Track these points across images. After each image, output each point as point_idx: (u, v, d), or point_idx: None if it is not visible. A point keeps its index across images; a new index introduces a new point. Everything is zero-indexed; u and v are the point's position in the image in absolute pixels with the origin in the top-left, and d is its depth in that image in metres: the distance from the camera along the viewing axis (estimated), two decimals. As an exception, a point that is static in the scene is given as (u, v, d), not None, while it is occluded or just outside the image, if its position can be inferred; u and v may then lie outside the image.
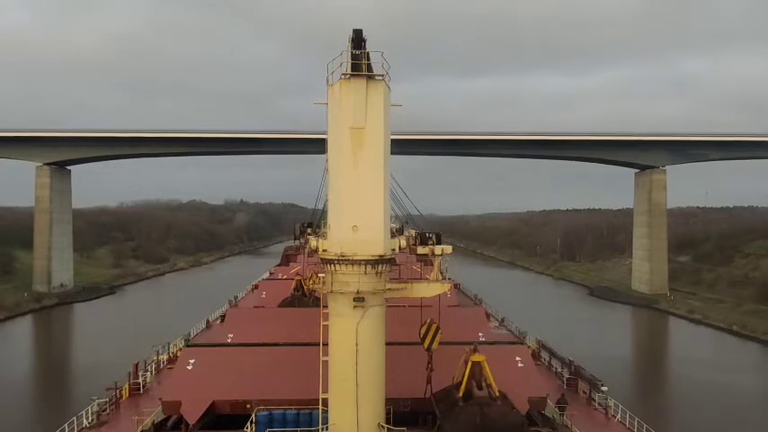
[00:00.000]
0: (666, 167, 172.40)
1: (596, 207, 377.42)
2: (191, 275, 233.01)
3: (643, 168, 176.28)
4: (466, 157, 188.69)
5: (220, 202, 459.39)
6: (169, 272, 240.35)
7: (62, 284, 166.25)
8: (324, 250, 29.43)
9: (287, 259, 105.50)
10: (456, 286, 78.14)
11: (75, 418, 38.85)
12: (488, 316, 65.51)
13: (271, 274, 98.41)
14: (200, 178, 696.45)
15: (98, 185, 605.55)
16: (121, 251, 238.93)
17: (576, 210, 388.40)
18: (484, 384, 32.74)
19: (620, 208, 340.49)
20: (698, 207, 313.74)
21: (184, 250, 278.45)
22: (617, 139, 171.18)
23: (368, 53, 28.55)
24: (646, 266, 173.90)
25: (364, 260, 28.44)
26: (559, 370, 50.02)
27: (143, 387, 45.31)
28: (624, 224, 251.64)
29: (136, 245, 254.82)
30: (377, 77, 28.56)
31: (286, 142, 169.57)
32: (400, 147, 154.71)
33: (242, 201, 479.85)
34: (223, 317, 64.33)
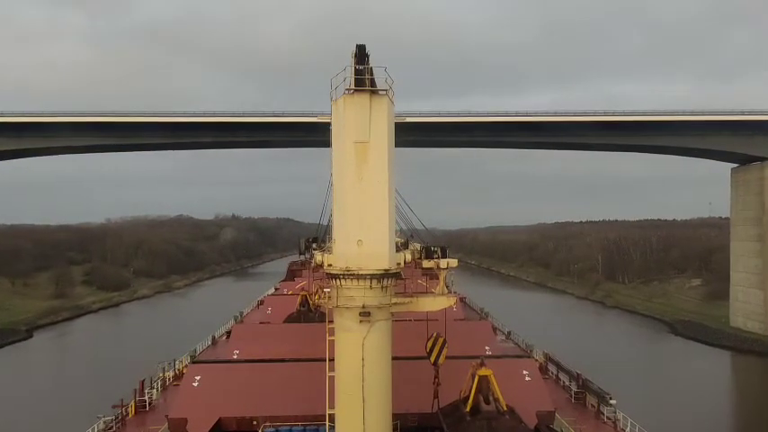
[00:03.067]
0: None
1: (612, 218, 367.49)
2: (148, 307, 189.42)
3: (745, 162, 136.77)
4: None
5: (211, 217, 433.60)
6: (126, 301, 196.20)
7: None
8: (329, 265, 29.40)
9: (292, 274, 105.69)
10: (462, 300, 77.95)
11: None
12: (495, 329, 65.34)
13: (276, 289, 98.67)
14: (197, 194, 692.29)
15: (87, 201, 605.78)
16: (67, 276, 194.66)
17: (592, 222, 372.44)
18: (491, 398, 32.55)
19: (642, 218, 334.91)
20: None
21: (153, 273, 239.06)
22: (705, 119, 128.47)
23: (371, 68, 28.68)
24: (756, 295, 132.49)
25: (369, 274, 28.37)
26: (567, 383, 49.70)
27: (149, 404, 45.21)
28: (680, 237, 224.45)
29: (91, 268, 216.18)
30: (380, 92, 28.68)
31: (288, 129, 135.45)
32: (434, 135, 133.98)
33: (234, 215, 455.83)
34: (229, 333, 64.31)
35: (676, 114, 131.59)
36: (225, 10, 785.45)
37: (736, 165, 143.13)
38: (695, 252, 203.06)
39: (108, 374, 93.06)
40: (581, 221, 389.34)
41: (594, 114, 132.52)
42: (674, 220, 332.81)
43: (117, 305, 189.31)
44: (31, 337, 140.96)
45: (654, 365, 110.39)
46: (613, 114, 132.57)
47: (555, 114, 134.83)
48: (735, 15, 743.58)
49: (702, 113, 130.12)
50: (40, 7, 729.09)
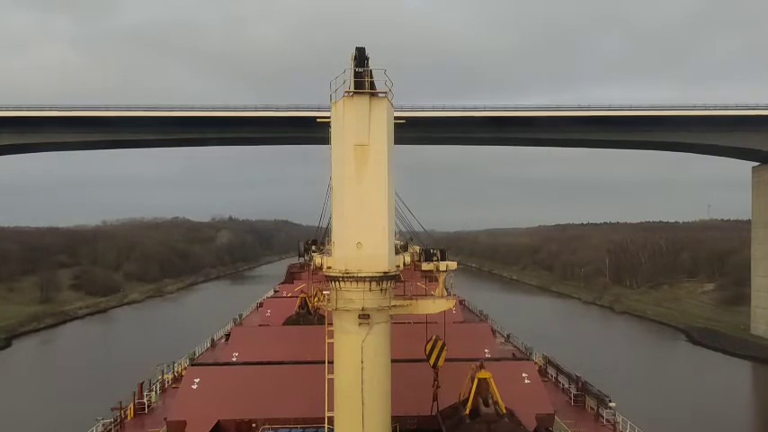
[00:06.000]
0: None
1: (613, 221, 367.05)
2: (136, 313, 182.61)
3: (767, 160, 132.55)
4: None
5: (207, 219, 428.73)
6: (115, 306, 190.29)
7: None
8: (328, 267, 29.36)
9: (291, 277, 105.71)
10: (461, 302, 77.97)
11: None
12: (494, 332, 65.29)
13: (275, 291, 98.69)
14: (195, 196, 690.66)
15: (84, 204, 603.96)
16: (54, 281, 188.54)
17: (593, 224, 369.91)
18: (491, 401, 32.51)
19: (644, 221, 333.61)
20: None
21: (146, 277, 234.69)
22: (724, 114, 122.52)
23: (371, 71, 28.67)
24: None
25: (369, 277, 28.30)
26: (566, 386, 49.66)
27: (148, 407, 45.15)
28: (688, 240, 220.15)
29: (80, 271, 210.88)
30: (380, 95, 28.66)
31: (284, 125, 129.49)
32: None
33: (230, 218, 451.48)
34: (228, 335, 64.29)
35: (695, 109, 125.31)
36: (213, 14, 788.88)
37: (757, 163, 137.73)
38: (706, 255, 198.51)
39: (81, 388, 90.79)
40: (582, 224, 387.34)
41: (609, 109, 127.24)
42: (675, 222, 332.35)
43: (104, 311, 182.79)
44: (9, 345, 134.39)
45: (675, 378, 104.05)
46: (629, 109, 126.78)
47: (578, 109, 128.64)
48: (718, 22, 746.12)
49: (725, 108, 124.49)
50: (29, 12, 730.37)
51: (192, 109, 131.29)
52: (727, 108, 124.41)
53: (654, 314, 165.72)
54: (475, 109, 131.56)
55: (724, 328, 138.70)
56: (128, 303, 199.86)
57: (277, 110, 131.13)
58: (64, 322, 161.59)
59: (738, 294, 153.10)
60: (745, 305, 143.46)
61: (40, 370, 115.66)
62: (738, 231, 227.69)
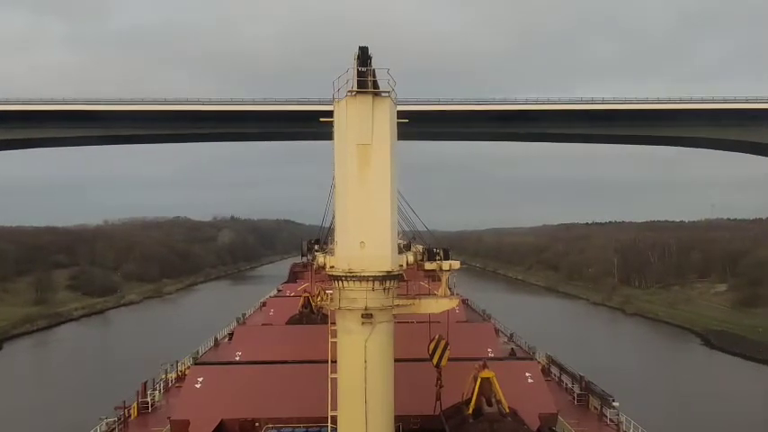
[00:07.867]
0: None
1: (618, 220, 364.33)
2: (133, 315, 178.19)
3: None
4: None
5: (209, 218, 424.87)
6: (112, 307, 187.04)
7: None
8: (331, 267, 29.37)
9: (294, 276, 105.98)
10: (464, 302, 77.93)
11: None
12: (497, 331, 65.29)
13: (279, 291, 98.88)
14: (197, 196, 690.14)
15: (86, 204, 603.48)
16: (50, 281, 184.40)
17: (598, 223, 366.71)
18: (494, 401, 32.48)
19: (648, 220, 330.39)
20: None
21: (145, 277, 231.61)
22: (740, 107, 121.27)
23: (374, 70, 28.66)
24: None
25: (372, 276, 28.31)
26: (570, 386, 49.62)
27: (151, 406, 45.20)
28: (698, 240, 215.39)
29: (77, 272, 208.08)
30: (383, 94, 28.66)
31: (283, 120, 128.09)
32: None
33: (232, 217, 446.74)
34: (231, 335, 64.40)
35: (707, 102, 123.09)
36: (208, 16, 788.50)
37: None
38: (718, 255, 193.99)
39: (71, 392, 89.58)
40: (587, 223, 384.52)
41: (615, 102, 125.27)
42: (681, 221, 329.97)
43: (101, 312, 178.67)
44: (0, 348, 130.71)
45: (696, 385, 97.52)
46: (638, 102, 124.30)
47: (584, 102, 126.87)
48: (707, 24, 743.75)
49: (737, 102, 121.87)
50: (24, 15, 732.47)
51: (189, 103, 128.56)
52: (747, 101, 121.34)
53: (667, 316, 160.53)
54: (478, 103, 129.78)
55: (741, 331, 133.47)
56: (125, 304, 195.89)
57: (276, 103, 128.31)
58: (58, 324, 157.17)
59: (753, 296, 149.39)
60: (761, 307, 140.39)
61: (31, 373, 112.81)
62: (746, 231, 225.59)
